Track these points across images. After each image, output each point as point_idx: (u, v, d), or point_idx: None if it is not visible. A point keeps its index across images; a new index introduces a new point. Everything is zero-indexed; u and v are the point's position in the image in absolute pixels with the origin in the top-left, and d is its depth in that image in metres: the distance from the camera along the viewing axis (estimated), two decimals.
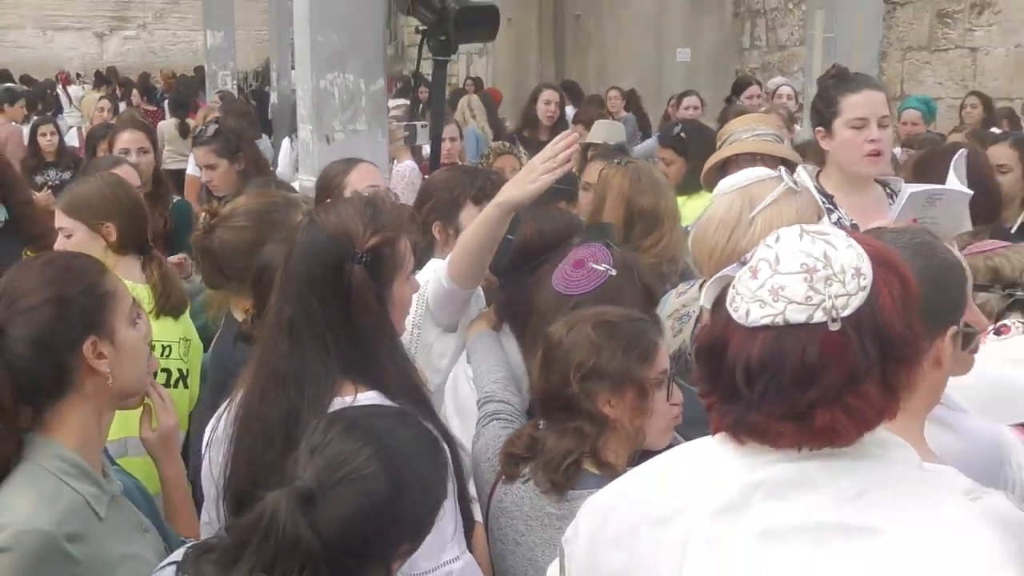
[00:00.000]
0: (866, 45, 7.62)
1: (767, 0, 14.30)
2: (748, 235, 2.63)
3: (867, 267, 1.46)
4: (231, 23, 15.51)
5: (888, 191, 3.54)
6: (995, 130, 7.30)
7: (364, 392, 2.20)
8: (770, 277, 1.47)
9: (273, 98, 16.10)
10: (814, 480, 1.46)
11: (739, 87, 9.49)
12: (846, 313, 1.42)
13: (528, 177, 2.75)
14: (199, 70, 18.57)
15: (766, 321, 1.44)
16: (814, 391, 1.42)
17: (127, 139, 5.48)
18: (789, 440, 1.46)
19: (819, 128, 3.61)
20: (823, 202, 3.47)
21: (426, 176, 5.18)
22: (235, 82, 15.26)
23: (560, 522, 2.16)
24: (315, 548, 1.65)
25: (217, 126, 5.41)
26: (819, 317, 1.42)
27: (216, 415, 2.37)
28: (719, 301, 1.59)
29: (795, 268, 1.46)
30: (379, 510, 1.71)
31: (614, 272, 2.61)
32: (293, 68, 12.31)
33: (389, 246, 2.23)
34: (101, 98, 11.58)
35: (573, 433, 2.26)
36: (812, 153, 4.06)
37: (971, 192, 3.31)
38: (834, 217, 3.51)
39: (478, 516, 2.51)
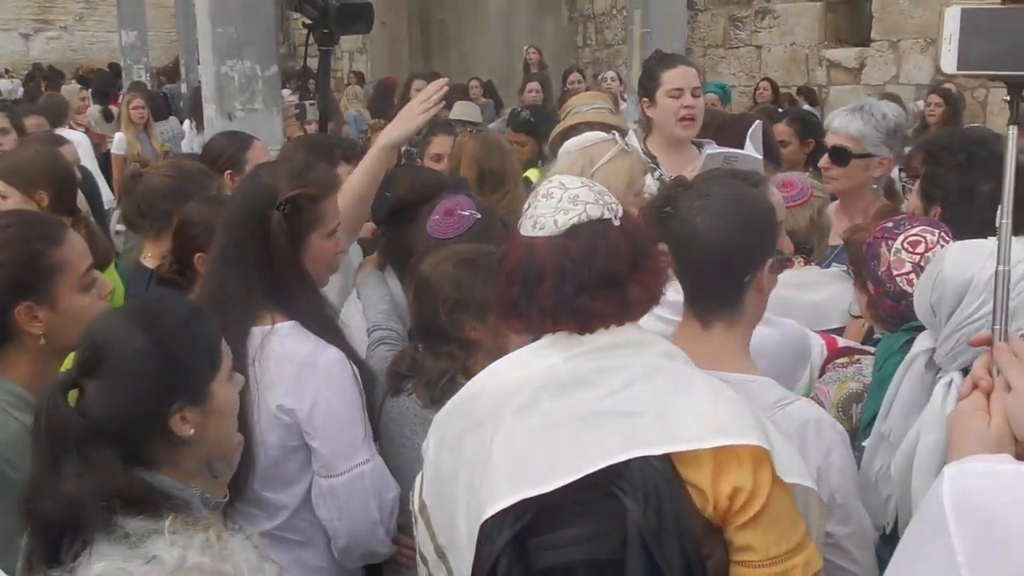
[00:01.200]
0: (674, 41, 7.68)
1: (596, 6, 14.36)
2: None
3: None
4: (143, 24, 14.87)
5: (701, 151, 3.55)
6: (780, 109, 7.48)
7: (281, 322, 2.14)
8: (564, 193, 1.59)
9: (183, 88, 15.44)
10: (589, 379, 1.52)
11: (565, 76, 10.17)
12: (619, 213, 1.58)
13: (407, 116, 2.74)
14: (113, 66, 17.69)
15: (574, 221, 1.55)
16: (623, 266, 1.55)
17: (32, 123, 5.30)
18: (611, 318, 1.55)
19: (644, 99, 3.61)
20: (648, 161, 3.49)
21: None
22: (148, 75, 14.58)
23: None
24: (80, 426, 1.53)
25: None
26: (607, 215, 1.57)
27: None
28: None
29: (579, 185, 1.60)
30: (137, 378, 1.57)
31: (479, 215, 2.56)
32: (199, 63, 11.84)
33: (308, 201, 2.17)
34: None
35: (446, 356, 2.21)
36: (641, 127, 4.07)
37: (761, 158, 3.37)
38: (657, 174, 3.53)
39: None
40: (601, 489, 1.43)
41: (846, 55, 11.11)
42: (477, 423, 1.58)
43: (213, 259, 2.25)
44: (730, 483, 1.42)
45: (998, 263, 1.23)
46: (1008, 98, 1.28)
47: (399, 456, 2.25)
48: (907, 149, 3.38)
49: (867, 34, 10.85)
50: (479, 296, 2.18)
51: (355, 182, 2.71)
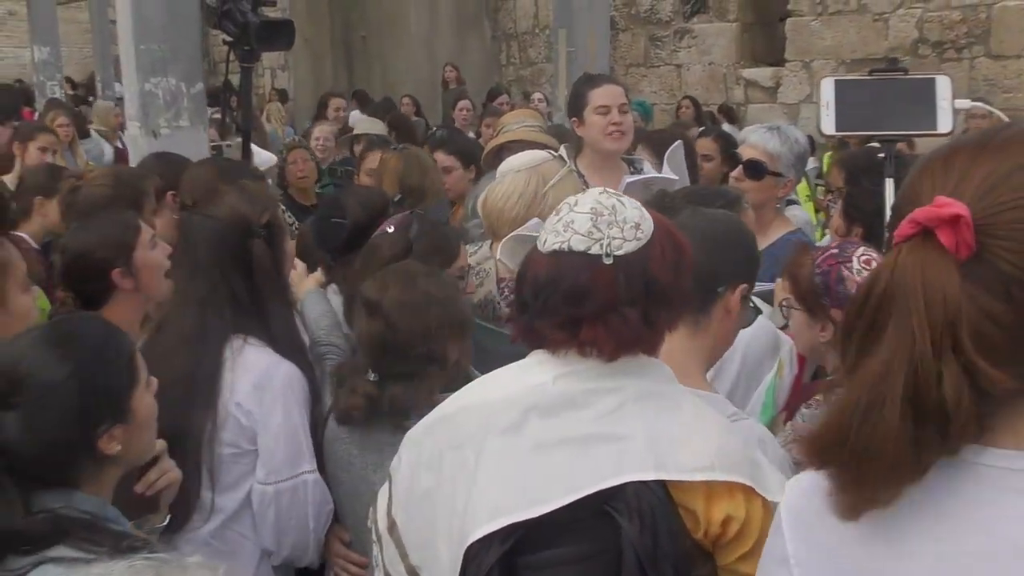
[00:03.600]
0: (598, 59, 7.79)
1: (519, 25, 14.48)
2: (542, 205, 2.73)
3: (648, 226, 1.52)
4: (56, 40, 14.46)
5: (632, 169, 3.60)
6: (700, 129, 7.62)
7: (252, 339, 2.26)
8: (566, 214, 1.53)
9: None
10: (578, 400, 1.48)
11: (492, 95, 10.01)
12: (619, 253, 1.48)
13: None
14: (20, 82, 17.07)
15: (555, 247, 1.51)
16: (582, 308, 1.47)
17: None
18: (561, 346, 1.51)
19: (574, 119, 3.64)
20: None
21: None
22: (63, 92, 14.17)
23: (391, 448, 2.08)
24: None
25: None
26: (596, 250, 1.48)
27: None
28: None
29: (586, 210, 1.52)
30: (60, 408, 1.52)
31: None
32: (117, 80, 11.54)
33: (275, 217, 2.33)
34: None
35: (410, 378, 2.15)
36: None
37: (677, 178, 3.46)
38: None
39: None
40: (593, 509, 1.41)
41: (762, 74, 11.42)
42: (458, 443, 1.53)
43: (179, 304, 2.30)
44: (723, 511, 1.44)
45: None
46: (883, 155, 1.35)
47: (346, 474, 2.25)
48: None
49: (781, 54, 11.18)
50: (457, 317, 2.20)
51: None
